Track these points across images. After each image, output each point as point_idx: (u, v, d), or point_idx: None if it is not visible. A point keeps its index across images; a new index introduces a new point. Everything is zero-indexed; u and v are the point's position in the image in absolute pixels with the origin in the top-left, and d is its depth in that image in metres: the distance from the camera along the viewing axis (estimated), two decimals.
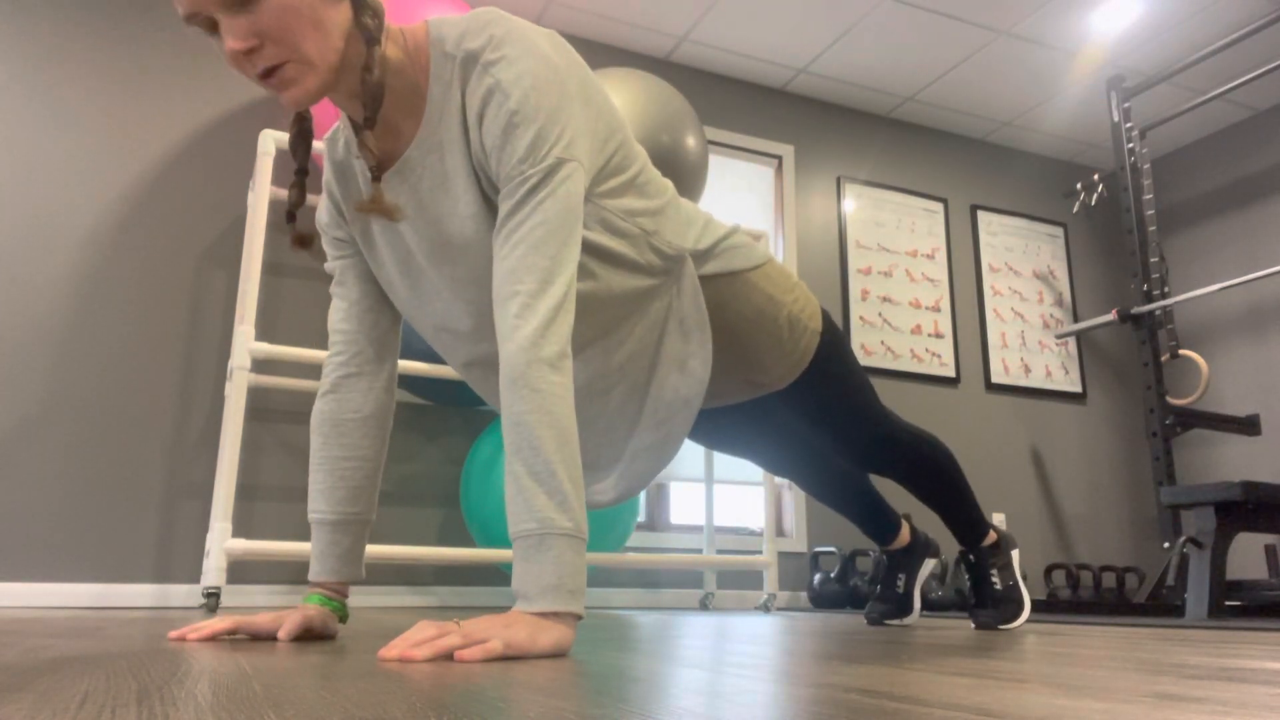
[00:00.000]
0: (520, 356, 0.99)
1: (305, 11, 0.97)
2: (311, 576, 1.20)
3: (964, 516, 1.74)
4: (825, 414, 1.50)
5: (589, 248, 1.15)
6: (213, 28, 0.98)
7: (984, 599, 1.79)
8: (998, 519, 3.99)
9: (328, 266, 1.29)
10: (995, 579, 1.78)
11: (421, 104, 1.09)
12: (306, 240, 1.13)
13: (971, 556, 1.81)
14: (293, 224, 1.14)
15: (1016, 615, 1.77)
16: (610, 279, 1.19)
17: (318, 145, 2.62)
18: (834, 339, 1.48)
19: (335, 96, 1.09)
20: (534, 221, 1.02)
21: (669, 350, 1.28)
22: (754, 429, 1.67)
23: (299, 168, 1.14)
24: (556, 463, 0.96)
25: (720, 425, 1.67)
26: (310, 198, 3.00)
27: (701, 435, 1.68)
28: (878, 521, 1.88)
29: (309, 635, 1.15)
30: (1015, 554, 1.84)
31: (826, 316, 1.49)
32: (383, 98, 1.05)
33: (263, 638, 1.13)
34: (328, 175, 1.24)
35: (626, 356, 1.26)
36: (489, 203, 1.09)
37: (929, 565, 2.00)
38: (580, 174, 1.05)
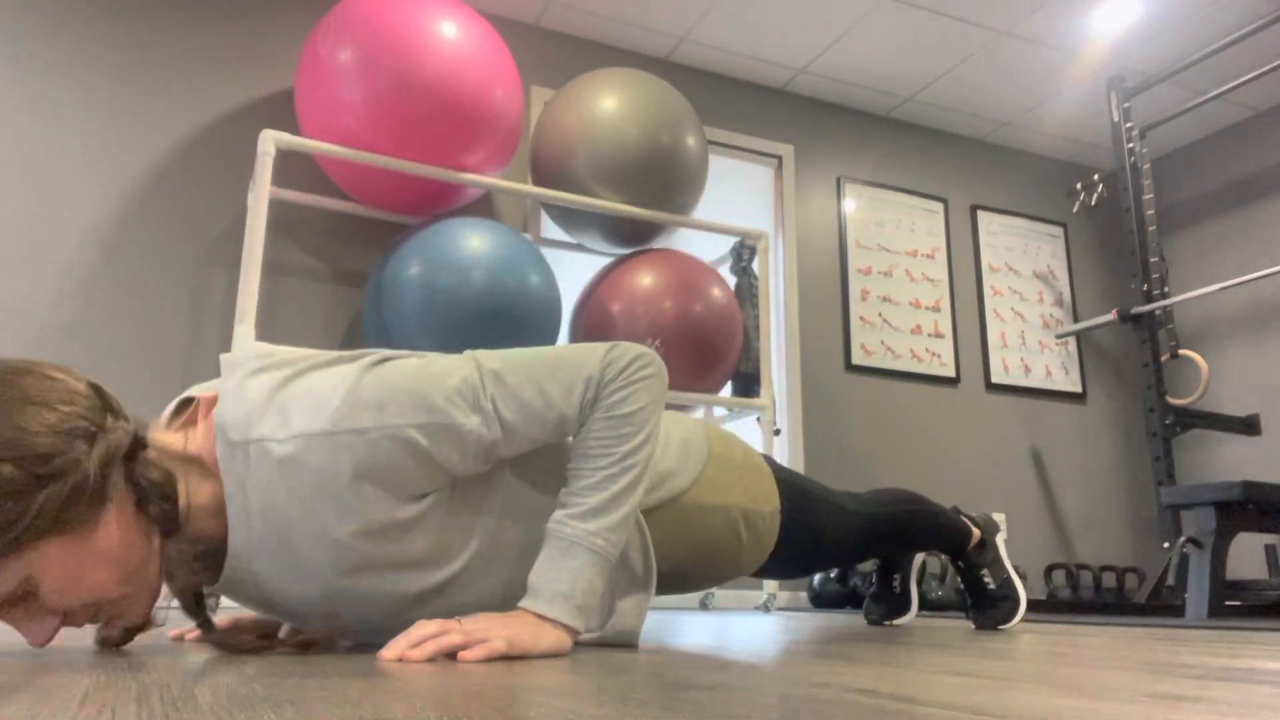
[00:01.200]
0: (602, 395, 0.99)
1: (81, 567, 0.82)
2: None
3: (945, 538, 1.73)
4: (801, 559, 1.45)
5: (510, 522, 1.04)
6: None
7: (980, 601, 1.79)
8: (997, 519, 3.99)
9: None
10: (988, 579, 1.78)
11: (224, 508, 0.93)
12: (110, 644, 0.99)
13: (960, 562, 1.81)
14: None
15: (1013, 612, 1.77)
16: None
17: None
18: (794, 503, 1.37)
19: None
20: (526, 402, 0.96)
21: (619, 597, 1.13)
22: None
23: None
24: (618, 481, 0.97)
25: None
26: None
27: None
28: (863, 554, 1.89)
29: (308, 635, 1.14)
30: (1000, 541, 1.83)
31: (780, 479, 1.37)
32: (201, 590, 0.90)
33: (263, 637, 1.13)
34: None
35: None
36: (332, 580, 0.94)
37: (920, 558, 2.00)
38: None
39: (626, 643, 1.12)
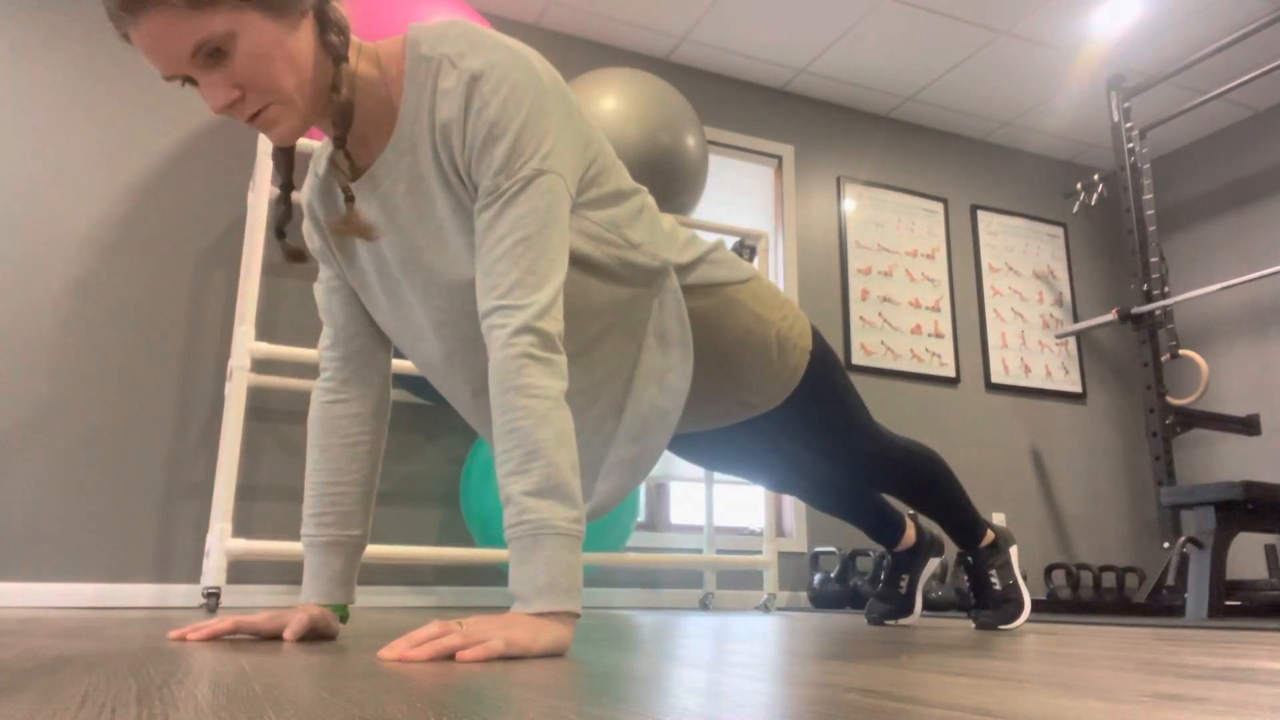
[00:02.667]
0: (505, 353, 0.98)
1: (276, 51, 0.98)
2: (303, 599, 1.19)
3: (961, 521, 1.73)
4: (817, 434, 1.47)
5: (569, 257, 1.14)
6: (194, 83, 0.99)
7: (984, 600, 1.79)
8: (997, 519, 3.99)
9: (316, 288, 1.28)
10: (994, 579, 1.78)
11: (394, 114, 1.09)
12: (299, 254, 1.14)
13: (970, 558, 1.81)
14: (283, 239, 1.14)
15: (1016, 615, 1.77)
16: (590, 289, 1.16)
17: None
18: (825, 357, 1.44)
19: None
20: (513, 234, 1.01)
21: (648, 364, 1.24)
22: (749, 450, 1.65)
23: (283, 183, 1.14)
24: (551, 460, 0.96)
25: (714, 447, 1.63)
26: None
27: (698, 457, 1.65)
28: (883, 525, 1.88)
29: (310, 635, 1.15)
30: (1014, 551, 1.84)
31: (817, 334, 1.45)
32: (352, 115, 1.05)
33: (264, 637, 1.13)
34: (308, 194, 1.23)
35: (606, 371, 1.23)
36: (462, 207, 1.08)
37: (932, 564, 2.00)
38: (560, 184, 1.04)
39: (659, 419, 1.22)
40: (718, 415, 1.43)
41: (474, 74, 1.02)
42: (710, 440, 1.62)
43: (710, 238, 3.89)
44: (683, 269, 1.27)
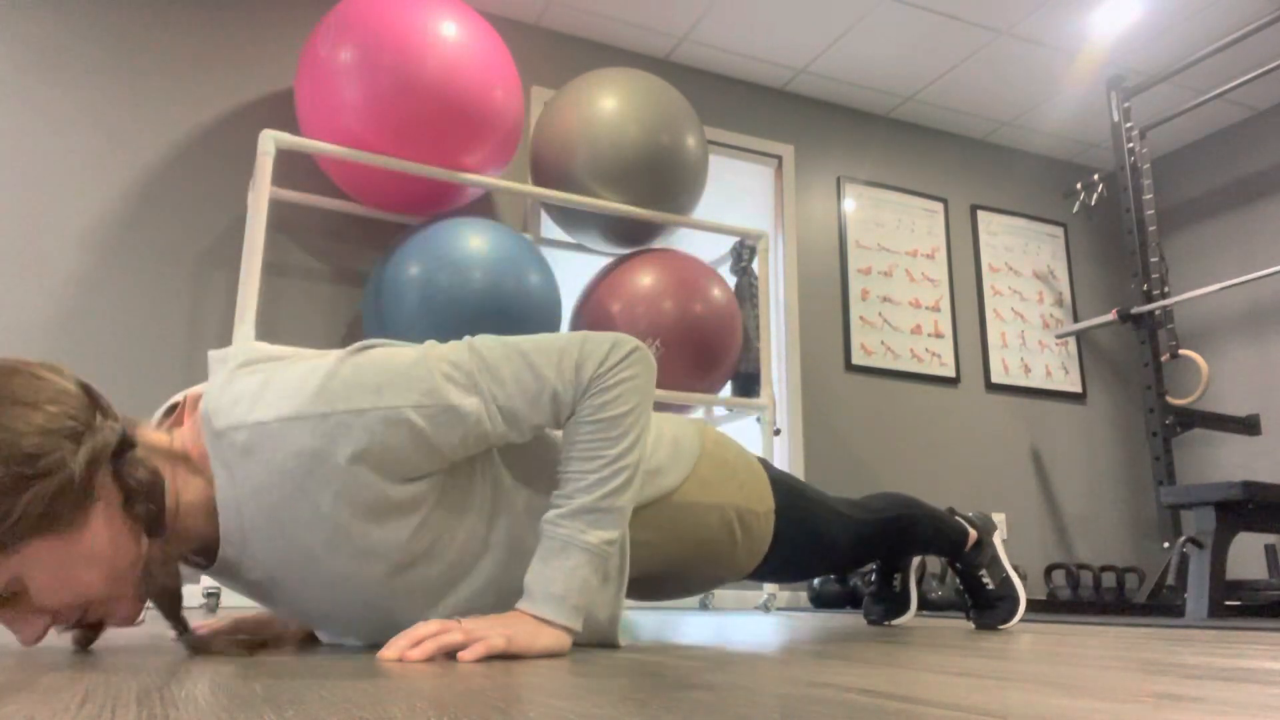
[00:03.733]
0: (589, 396, 0.98)
1: (69, 567, 0.82)
2: None
3: (941, 544, 1.72)
4: (799, 559, 1.43)
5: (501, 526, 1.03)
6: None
7: (980, 601, 1.79)
8: (997, 519, 3.99)
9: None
10: (986, 579, 1.77)
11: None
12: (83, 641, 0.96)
13: (958, 564, 1.80)
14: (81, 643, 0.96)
15: (1013, 611, 1.76)
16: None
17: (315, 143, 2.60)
18: (789, 503, 1.36)
19: None
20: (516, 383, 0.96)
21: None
22: None
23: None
24: (609, 484, 0.97)
25: None
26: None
27: None
28: None
29: (311, 634, 1.15)
30: (998, 540, 1.82)
31: (775, 479, 1.36)
32: (179, 593, 0.88)
33: (264, 637, 1.13)
34: None
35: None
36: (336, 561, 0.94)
37: (919, 558, 1.99)
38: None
39: (604, 642, 1.11)
40: (687, 590, 1.39)
41: (274, 444, 0.88)
42: None
43: (711, 238, 3.85)
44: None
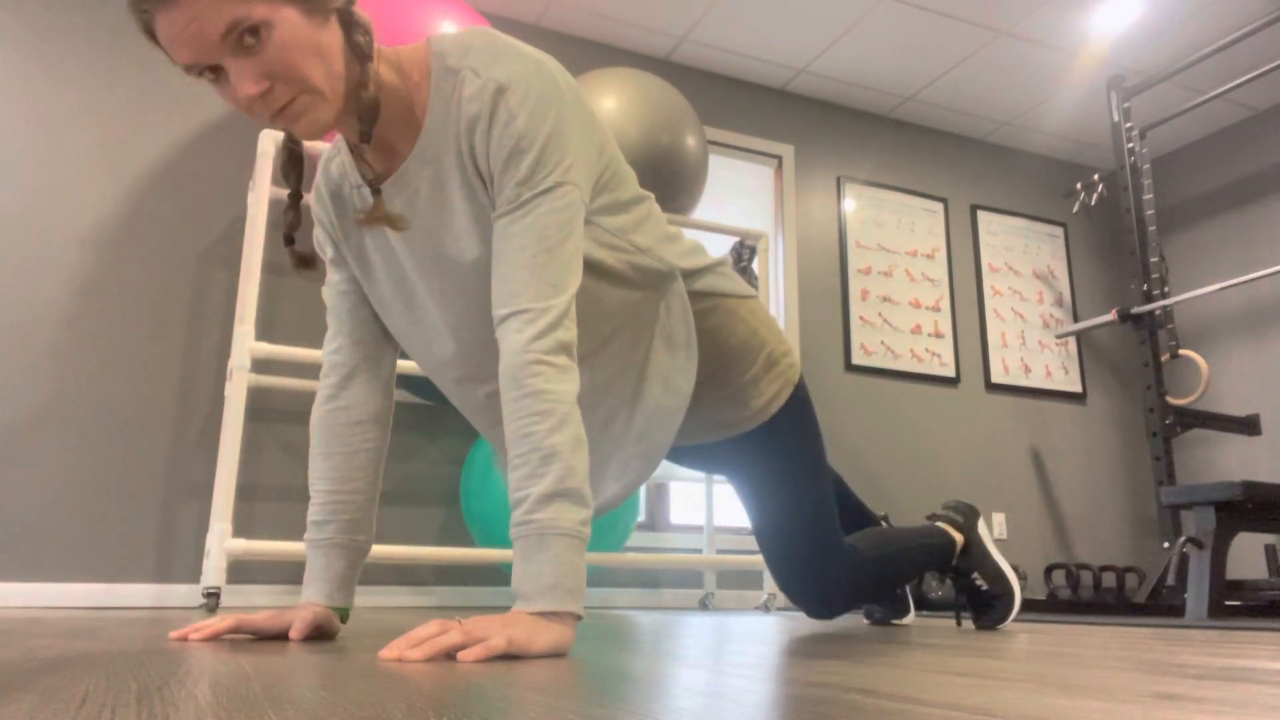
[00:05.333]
0: (521, 358, 0.99)
1: (306, 43, 0.98)
2: (304, 598, 1.19)
3: (929, 563, 1.70)
4: (777, 480, 1.43)
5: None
6: (215, 75, 0.98)
7: (977, 604, 1.78)
8: (997, 519, 3.99)
9: (325, 291, 1.28)
10: (979, 580, 1.76)
11: (416, 120, 1.10)
12: (308, 260, 1.14)
13: (951, 572, 1.79)
14: (291, 245, 1.14)
15: (1010, 607, 1.76)
16: (601, 293, 1.19)
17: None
18: (805, 401, 1.45)
19: None
20: (532, 244, 1.02)
21: (655, 365, 1.27)
22: (733, 478, 1.60)
23: (292, 191, 1.14)
24: (566, 464, 0.97)
25: (702, 462, 1.60)
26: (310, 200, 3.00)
27: (690, 461, 1.64)
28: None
29: (312, 634, 1.15)
30: (982, 528, 1.81)
31: (803, 380, 1.46)
32: (378, 114, 1.05)
33: (264, 637, 1.13)
34: (319, 200, 1.23)
35: (614, 372, 1.26)
36: (484, 213, 1.09)
37: None
38: (577, 196, 1.06)
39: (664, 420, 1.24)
40: (695, 430, 1.43)
41: (500, 85, 1.04)
42: (696, 455, 1.59)
43: (711, 238, 3.87)
44: (689, 275, 1.29)
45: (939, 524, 1.77)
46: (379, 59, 1.07)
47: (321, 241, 1.27)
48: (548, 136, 1.04)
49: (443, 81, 1.07)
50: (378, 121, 1.07)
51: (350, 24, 1.04)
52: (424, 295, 1.18)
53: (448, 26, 2.66)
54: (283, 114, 1.00)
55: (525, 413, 0.98)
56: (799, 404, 1.44)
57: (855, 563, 1.51)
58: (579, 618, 0.96)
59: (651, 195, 1.27)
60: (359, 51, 1.04)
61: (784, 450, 1.44)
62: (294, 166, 1.14)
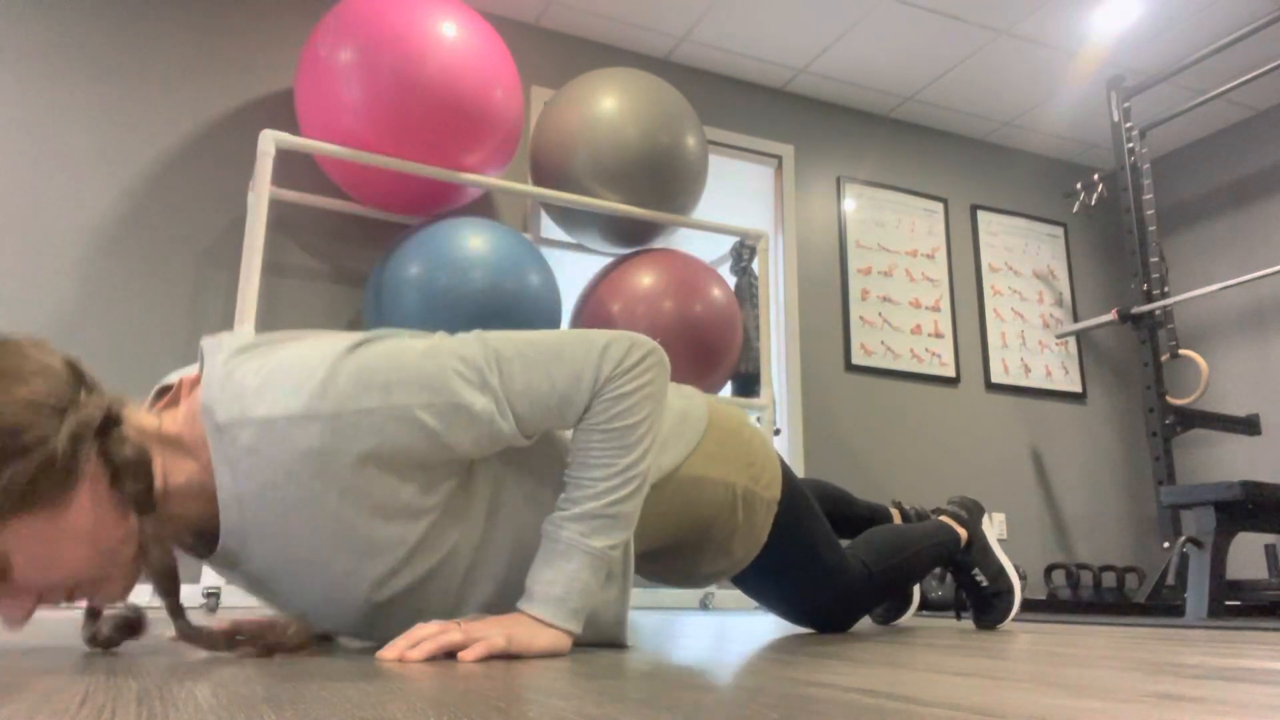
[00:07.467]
0: (598, 388, 0.96)
1: (58, 542, 0.80)
2: None
3: (937, 560, 1.70)
4: (787, 573, 1.39)
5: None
6: None
7: (978, 602, 1.78)
8: (998, 519, 3.99)
9: None
10: (980, 577, 1.76)
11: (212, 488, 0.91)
12: (102, 643, 0.96)
13: (953, 568, 1.79)
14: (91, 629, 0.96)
15: (1011, 605, 1.75)
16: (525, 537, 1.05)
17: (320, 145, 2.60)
18: (794, 505, 1.34)
19: None
20: (529, 388, 0.94)
21: None
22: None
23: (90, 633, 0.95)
24: (621, 490, 0.96)
25: None
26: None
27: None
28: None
29: (311, 639, 1.14)
30: (985, 524, 1.80)
31: (788, 478, 1.35)
32: (174, 573, 0.87)
33: (263, 637, 1.12)
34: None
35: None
36: (353, 535, 0.92)
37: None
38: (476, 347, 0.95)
39: (611, 641, 1.11)
40: (681, 580, 1.37)
41: (281, 443, 0.86)
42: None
43: (711, 238, 3.84)
44: None
45: (943, 518, 1.76)
46: (164, 455, 0.89)
47: None
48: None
49: (220, 445, 0.87)
50: (188, 519, 0.91)
51: (114, 472, 0.83)
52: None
53: (448, 27, 2.66)
54: (72, 602, 0.88)
55: (608, 445, 0.97)
56: (788, 515, 1.34)
57: (869, 584, 1.50)
58: (574, 636, 0.96)
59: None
60: (135, 503, 0.85)
61: (785, 561, 1.37)
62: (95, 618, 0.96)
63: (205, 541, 0.97)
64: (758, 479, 1.27)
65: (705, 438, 1.22)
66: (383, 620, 1.00)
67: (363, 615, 0.98)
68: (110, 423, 0.85)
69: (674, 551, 1.28)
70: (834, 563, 1.43)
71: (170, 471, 0.89)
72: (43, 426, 0.78)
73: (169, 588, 0.86)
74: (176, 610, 0.88)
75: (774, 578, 1.39)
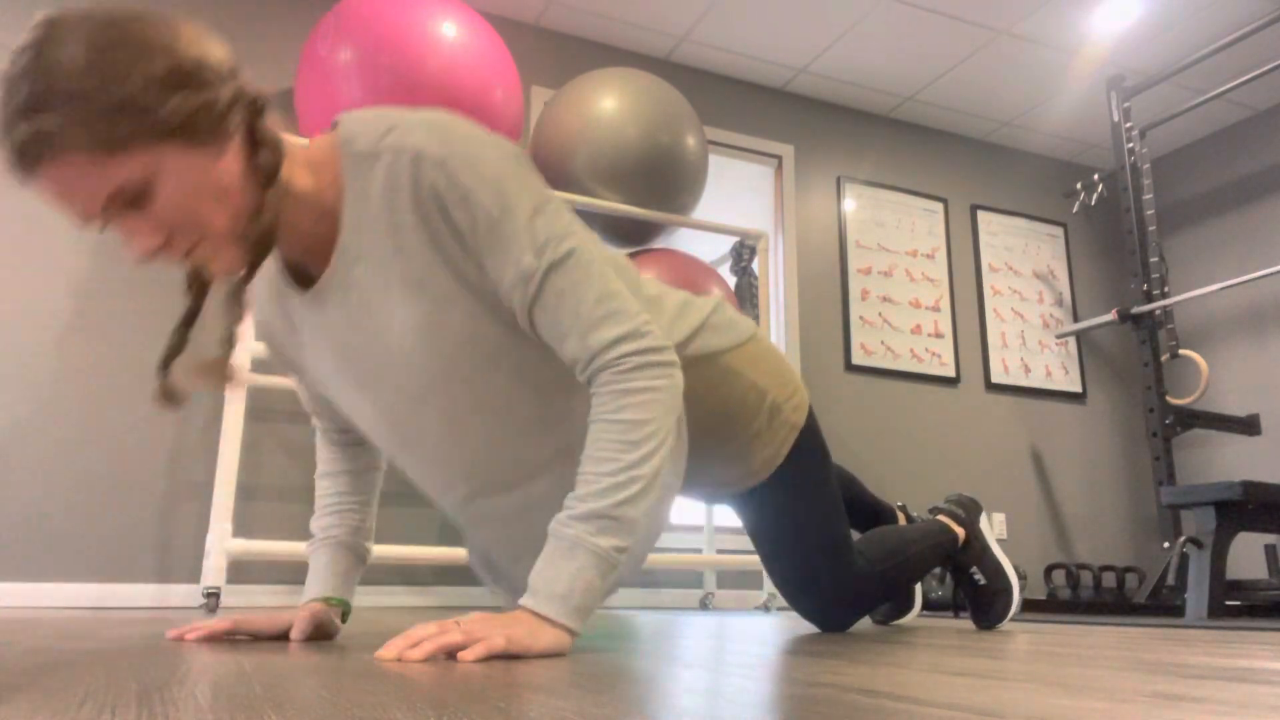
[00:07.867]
0: (610, 353, 0.97)
1: (202, 185, 0.87)
2: (306, 597, 1.19)
3: (937, 559, 1.70)
4: (786, 525, 1.40)
5: None
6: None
7: (976, 601, 1.78)
8: (998, 519, 3.99)
9: (298, 388, 1.26)
10: (979, 576, 1.76)
11: (335, 224, 1.00)
12: (175, 397, 1.02)
13: (952, 567, 1.79)
14: (165, 371, 1.02)
15: (1009, 603, 1.75)
16: (576, 385, 1.09)
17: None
18: (814, 440, 1.38)
19: None
20: (568, 299, 0.96)
21: None
22: (734, 508, 1.53)
23: (188, 311, 1.03)
24: (630, 489, 0.96)
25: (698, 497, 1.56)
26: None
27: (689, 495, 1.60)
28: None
29: (312, 634, 1.15)
30: (984, 523, 1.80)
31: (812, 417, 1.39)
32: (270, 245, 0.94)
33: (263, 638, 1.13)
34: (261, 306, 1.15)
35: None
36: (437, 315, 0.99)
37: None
38: (588, 247, 0.99)
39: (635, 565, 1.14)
40: (692, 488, 1.39)
41: (445, 162, 0.93)
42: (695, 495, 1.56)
43: (711, 238, 3.84)
44: (680, 345, 1.23)
45: (940, 517, 1.76)
46: (293, 164, 0.97)
47: (268, 346, 1.20)
48: (525, 205, 0.95)
49: (356, 171, 0.97)
50: (271, 249, 0.96)
51: (255, 143, 0.92)
52: (360, 401, 1.09)
53: (448, 27, 2.66)
54: (187, 260, 0.93)
55: (614, 439, 0.97)
56: (806, 448, 1.37)
57: (869, 579, 1.50)
58: (576, 635, 0.96)
59: (622, 254, 1.20)
60: (264, 174, 0.92)
61: (793, 498, 1.39)
62: (198, 284, 1.03)
63: (299, 279, 1.06)
64: (788, 398, 1.35)
65: (751, 342, 1.32)
66: (434, 406, 1.04)
67: (428, 378, 1.02)
68: (261, 105, 0.94)
69: (695, 443, 1.31)
70: (839, 532, 1.44)
71: (293, 177, 0.96)
72: (215, 74, 0.88)
73: (258, 250, 0.93)
74: (251, 270, 0.94)
75: (777, 519, 1.40)
